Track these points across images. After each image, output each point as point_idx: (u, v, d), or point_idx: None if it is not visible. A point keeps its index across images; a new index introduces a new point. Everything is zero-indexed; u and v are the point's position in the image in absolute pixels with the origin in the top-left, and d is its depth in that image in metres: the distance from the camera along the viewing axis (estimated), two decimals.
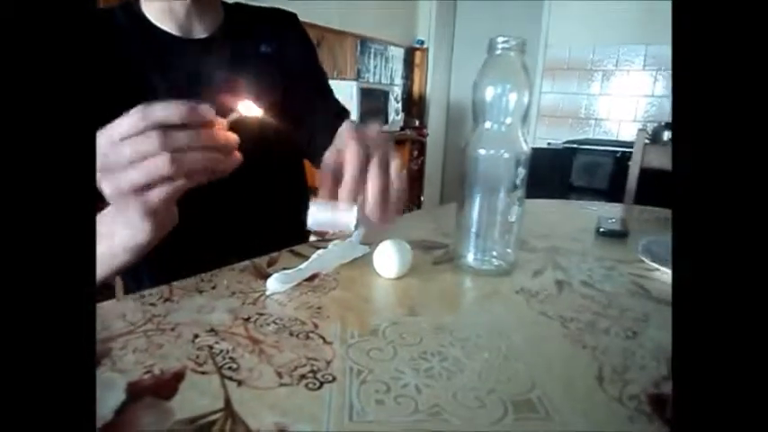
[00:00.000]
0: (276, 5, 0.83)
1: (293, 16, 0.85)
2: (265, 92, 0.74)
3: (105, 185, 0.40)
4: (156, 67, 0.66)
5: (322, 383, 0.34)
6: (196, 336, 0.40)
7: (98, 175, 0.40)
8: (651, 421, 0.32)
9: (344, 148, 0.43)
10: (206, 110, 0.41)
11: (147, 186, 0.40)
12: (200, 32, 0.70)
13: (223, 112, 0.45)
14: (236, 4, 0.79)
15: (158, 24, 0.67)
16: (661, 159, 1.37)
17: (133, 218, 0.43)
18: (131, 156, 0.39)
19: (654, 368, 0.38)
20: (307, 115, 0.79)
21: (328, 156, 0.45)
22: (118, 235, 0.45)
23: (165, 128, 0.39)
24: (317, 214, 0.45)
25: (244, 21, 0.76)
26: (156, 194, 0.41)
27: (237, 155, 0.44)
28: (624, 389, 0.35)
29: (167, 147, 0.39)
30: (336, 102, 0.88)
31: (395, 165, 0.45)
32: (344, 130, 0.45)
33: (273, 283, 0.50)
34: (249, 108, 0.46)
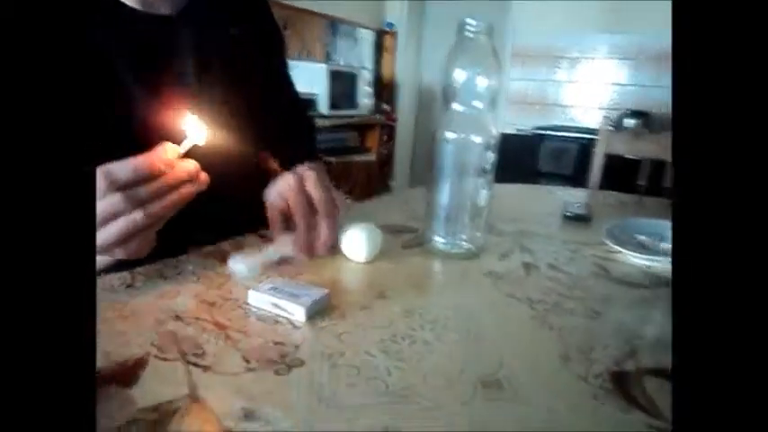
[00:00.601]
0: None
1: (263, 2, 0.83)
2: (228, 73, 0.71)
3: None
4: (115, 43, 0.62)
5: (291, 368, 0.34)
6: (159, 322, 0.39)
7: None
8: (614, 398, 0.33)
9: (292, 203, 0.50)
10: (162, 157, 0.43)
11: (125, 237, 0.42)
12: (164, 8, 0.67)
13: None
14: None
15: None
16: (624, 146, 1.41)
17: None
18: (103, 219, 0.40)
19: (616, 347, 0.40)
20: (264, 104, 0.78)
21: (274, 198, 0.52)
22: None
23: (127, 184, 0.41)
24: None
25: None
26: (135, 243, 0.43)
27: (203, 177, 0.46)
28: (589, 368, 0.36)
29: (135, 204, 0.41)
30: (296, 94, 0.88)
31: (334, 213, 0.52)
32: (290, 187, 0.51)
33: (237, 266, 0.48)
34: (197, 130, 0.47)
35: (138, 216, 0.41)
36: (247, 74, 0.74)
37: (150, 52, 0.64)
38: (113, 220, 0.41)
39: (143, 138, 0.63)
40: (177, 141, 0.45)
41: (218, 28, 0.72)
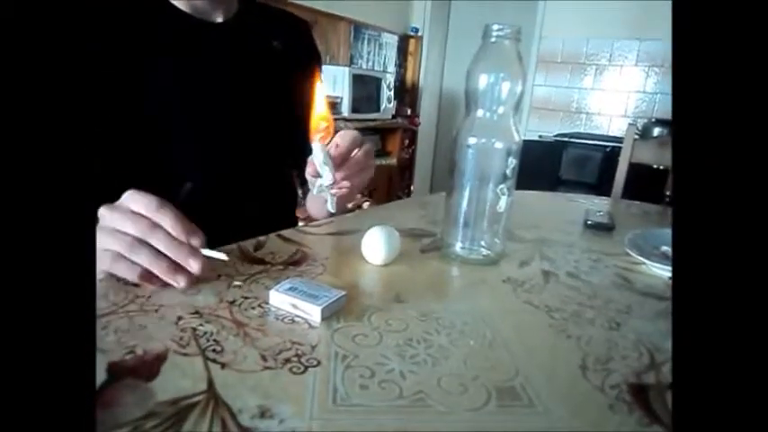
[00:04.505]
0: None
1: (306, 24, 0.87)
2: (265, 83, 0.74)
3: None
4: (166, 43, 0.65)
5: (306, 367, 0.34)
6: (180, 317, 0.40)
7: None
8: (631, 410, 0.32)
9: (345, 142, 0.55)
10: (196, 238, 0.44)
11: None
12: (215, 16, 0.70)
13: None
14: None
15: (175, 3, 0.66)
16: (650, 155, 1.38)
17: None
18: (117, 226, 0.42)
19: (635, 358, 0.39)
20: (295, 119, 0.80)
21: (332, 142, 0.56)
22: None
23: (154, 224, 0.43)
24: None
25: (258, 14, 0.77)
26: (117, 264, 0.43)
27: (182, 284, 0.44)
28: (606, 378, 0.36)
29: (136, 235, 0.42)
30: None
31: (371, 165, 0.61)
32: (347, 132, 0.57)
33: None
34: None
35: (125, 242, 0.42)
36: (283, 87, 0.77)
37: (197, 55, 0.67)
38: (118, 235, 0.42)
39: (176, 137, 0.66)
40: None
41: (261, 39, 0.75)
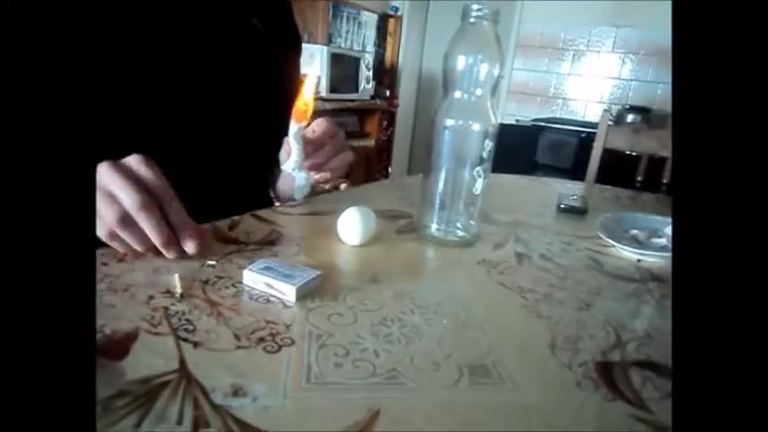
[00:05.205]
0: None
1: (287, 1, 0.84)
2: (244, 61, 0.72)
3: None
4: (144, 17, 0.63)
5: (280, 347, 0.34)
6: (151, 297, 0.39)
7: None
8: (597, 386, 0.33)
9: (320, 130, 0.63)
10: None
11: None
12: None
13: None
14: None
15: None
16: (623, 141, 1.40)
17: None
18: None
19: (602, 338, 0.40)
20: (273, 98, 0.78)
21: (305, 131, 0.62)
22: None
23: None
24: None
25: None
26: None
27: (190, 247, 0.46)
28: (574, 356, 0.37)
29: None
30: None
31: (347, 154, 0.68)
32: (325, 125, 0.64)
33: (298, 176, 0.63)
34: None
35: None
36: (263, 65, 0.75)
37: (175, 35, 0.64)
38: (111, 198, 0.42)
39: (154, 118, 0.63)
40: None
41: (240, 16, 0.72)
